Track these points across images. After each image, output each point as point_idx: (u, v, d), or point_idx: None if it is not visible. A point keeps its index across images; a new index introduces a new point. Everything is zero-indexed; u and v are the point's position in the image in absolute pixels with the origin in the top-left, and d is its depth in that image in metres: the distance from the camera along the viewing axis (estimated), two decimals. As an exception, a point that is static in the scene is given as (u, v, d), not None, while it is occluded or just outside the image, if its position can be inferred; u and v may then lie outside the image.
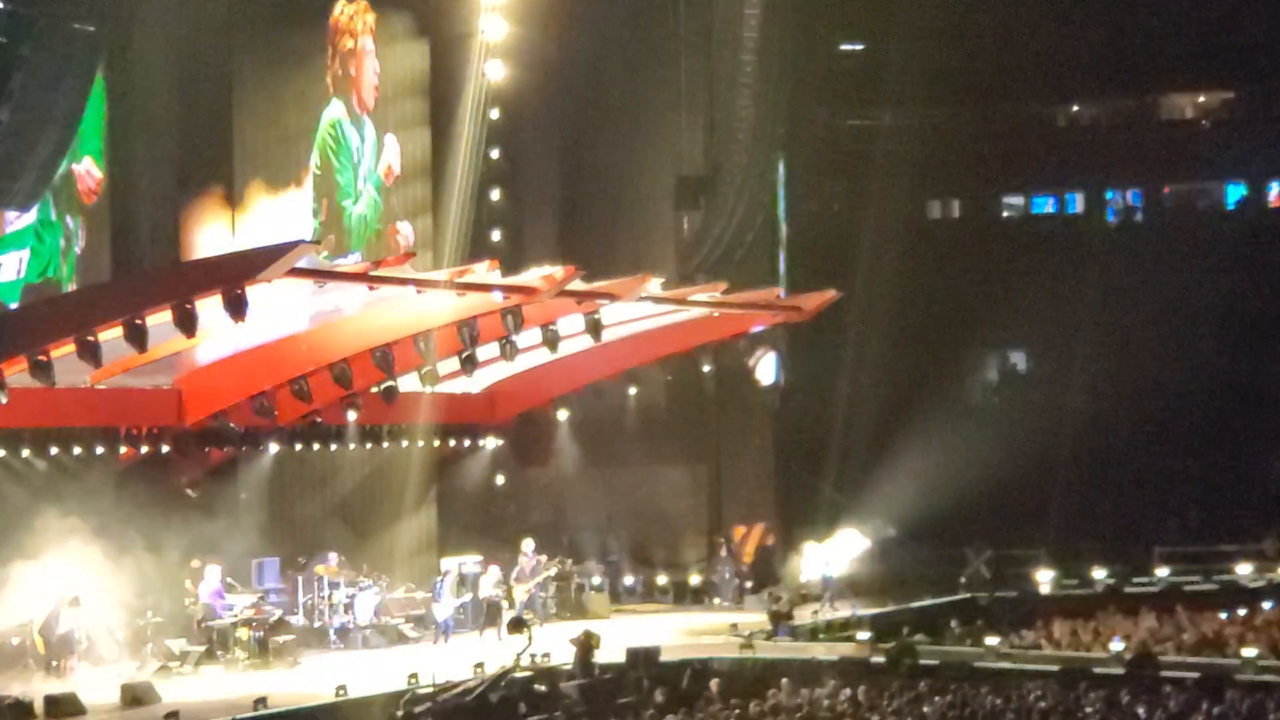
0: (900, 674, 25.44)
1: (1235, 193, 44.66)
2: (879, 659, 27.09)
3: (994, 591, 35.65)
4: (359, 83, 34.59)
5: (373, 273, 25.05)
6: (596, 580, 35.58)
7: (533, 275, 27.32)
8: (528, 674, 25.73)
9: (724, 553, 36.62)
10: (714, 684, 24.78)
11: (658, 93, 38.77)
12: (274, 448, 31.16)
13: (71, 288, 31.05)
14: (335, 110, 34.12)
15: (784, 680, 24.30)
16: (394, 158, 35.45)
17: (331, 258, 32.53)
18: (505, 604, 31.62)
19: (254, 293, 23.04)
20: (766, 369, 37.80)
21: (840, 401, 39.71)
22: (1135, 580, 36.90)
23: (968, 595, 35.62)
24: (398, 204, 35.57)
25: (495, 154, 37.73)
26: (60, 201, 31.41)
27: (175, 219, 30.85)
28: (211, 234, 31.06)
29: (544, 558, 33.14)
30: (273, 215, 32.39)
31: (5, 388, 24.31)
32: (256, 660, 27.85)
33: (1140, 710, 21.49)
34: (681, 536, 38.39)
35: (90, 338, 23.46)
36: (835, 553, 35.35)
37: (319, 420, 30.74)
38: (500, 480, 37.82)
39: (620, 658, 26.71)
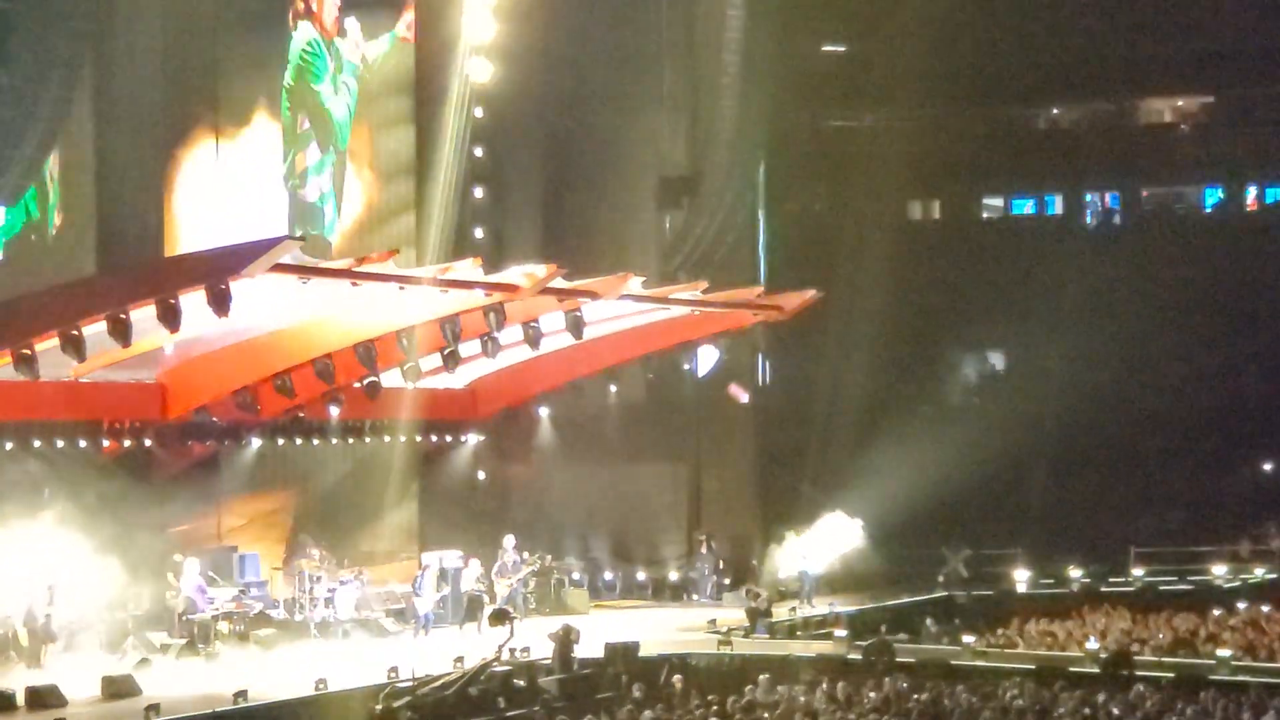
0: (877, 672, 25.51)
1: (1212, 196, 44.93)
2: (856, 656, 27.22)
3: (971, 590, 35.80)
4: (321, 16, 34.55)
5: (356, 269, 25.14)
6: (576, 576, 35.68)
7: (515, 273, 27.40)
8: (507, 668, 25.80)
9: (703, 549, 36.72)
10: (677, 680, 24.90)
11: (640, 92, 38.83)
12: (256, 442, 31.15)
13: (54, 232, 30.60)
14: (305, 32, 34.13)
15: (761, 677, 24.34)
16: (364, 46, 35.47)
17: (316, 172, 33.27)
18: (486, 599, 31.78)
19: (237, 287, 23.17)
20: (707, 360, 37.84)
21: (820, 400, 39.91)
22: (1111, 580, 37.12)
23: (945, 594, 35.77)
24: (375, 89, 35.57)
25: (479, 152, 37.83)
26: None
27: (159, 213, 30.85)
28: (196, 227, 31.14)
29: (525, 553, 33.30)
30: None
31: (-11, 380, 24.43)
32: (237, 653, 27.89)
33: (1115, 710, 21.52)
34: (661, 533, 38.48)
35: (74, 331, 23.56)
36: (814, 547, 35.46)
37: (301, 415, 30.77)
38: (482, 476, 37.86)
39: (599, 653, 26.82)
